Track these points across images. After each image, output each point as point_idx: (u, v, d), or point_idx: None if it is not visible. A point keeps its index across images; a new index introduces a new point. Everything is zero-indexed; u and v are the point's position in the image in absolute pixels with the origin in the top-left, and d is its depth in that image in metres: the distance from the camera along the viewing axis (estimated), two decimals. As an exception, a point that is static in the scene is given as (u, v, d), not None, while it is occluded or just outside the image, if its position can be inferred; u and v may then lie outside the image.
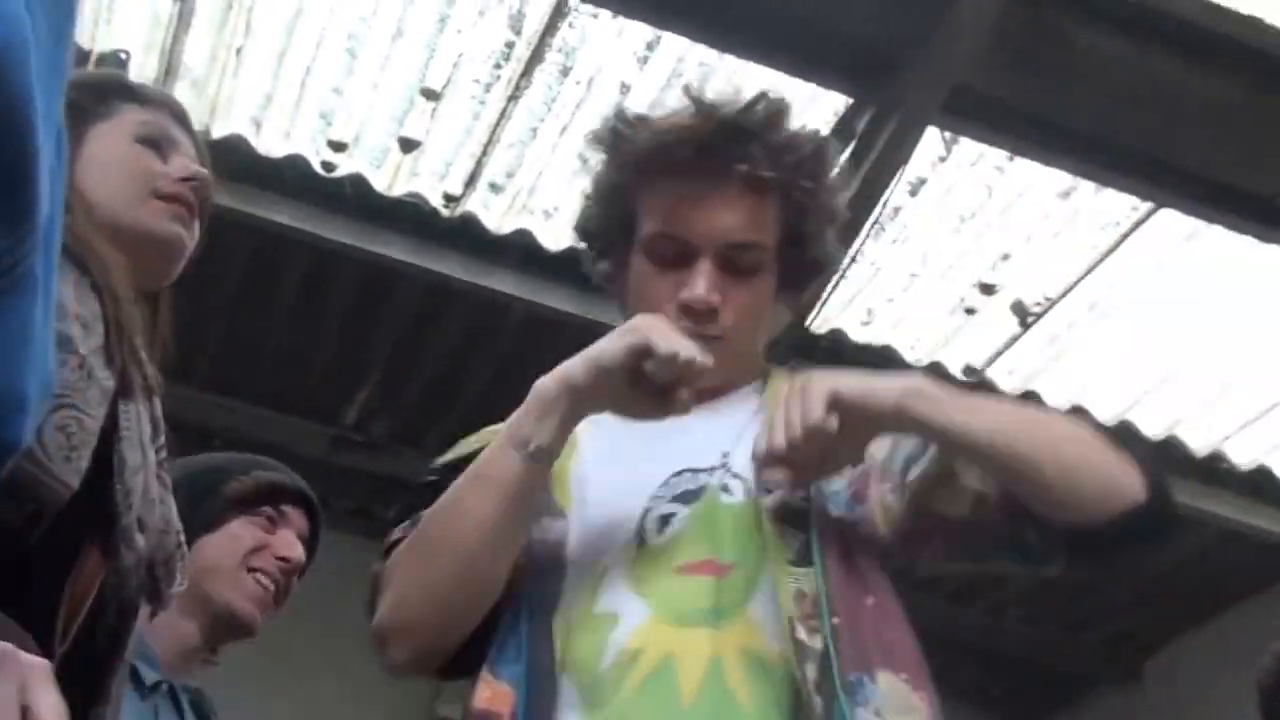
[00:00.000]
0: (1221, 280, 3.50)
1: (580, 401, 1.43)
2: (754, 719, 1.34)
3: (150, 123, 1.52)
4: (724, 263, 1.51)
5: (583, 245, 1.68)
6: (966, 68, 2.95)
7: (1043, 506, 1.43)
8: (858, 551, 1.45)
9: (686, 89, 1.56)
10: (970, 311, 3.66)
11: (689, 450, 1.50)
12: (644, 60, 3.21)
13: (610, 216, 1.59)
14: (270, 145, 3.40)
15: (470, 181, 3.48)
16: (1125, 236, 3.42)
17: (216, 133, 3.32)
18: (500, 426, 1.49)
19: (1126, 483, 1.44)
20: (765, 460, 1.42)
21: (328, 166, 3.46)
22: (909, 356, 3.75)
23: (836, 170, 1.61)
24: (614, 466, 1.50)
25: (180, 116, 1.58)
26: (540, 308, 3.57)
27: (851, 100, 3.15)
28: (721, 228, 1.51)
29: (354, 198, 3.46)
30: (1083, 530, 1.43)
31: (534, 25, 3.16)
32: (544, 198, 3.52)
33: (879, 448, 1.51)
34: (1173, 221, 3.37)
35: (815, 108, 3.21)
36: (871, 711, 1.33)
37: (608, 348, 1.42)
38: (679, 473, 1.48)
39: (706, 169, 1.51)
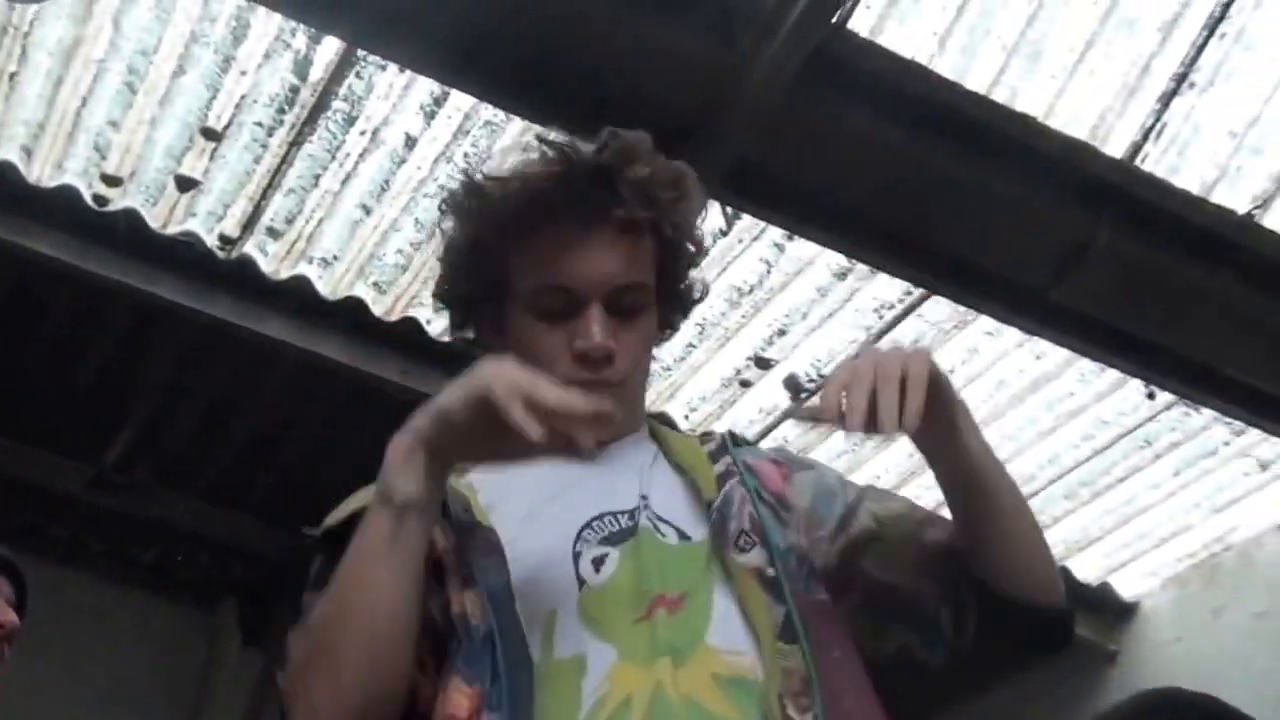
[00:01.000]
0: (987, 367, 3.62)
1: (435, 457, 1.36)
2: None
3: None
4: (612, 307, 1.50)
5: (444, 310, 1.63)
6: (748, 144, 2.99)
7: (996, 567, 1.44)
8: (828, 621, 1.45)
9: (539, 137, 1.55)
10: (745, 384, 3.70)
11: (599, 495, 1.47)
12: (431, 114, 3.19)
13: (478, 279, 1.55)
14: (41, 175, 3.29)
15: (248, 225, 3.40)
16: (898, 320, 3.50)
17: (-15, 159, 3.20)
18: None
19: (1056, 577, 1.49)
20: (837, 385, 1.34)
21: (100, 200, 3.35)
22: (683, 426, 3.77)
23: (700, 201, 1.61)
24: (529, 522, 1.45)
25: None
26: (313, 355, 3.50)
27: (636, 168, 3.16)
28: (606, 272, 1.49)
29: (126, 234, 3.36)
30: (1023, 607, 1.44)
31: (320, 72, 3.12)
32: (323, 245, 3.46)
33: (800, 495, 1.53)
34: (943, 308, 3.46)
35: (600, 174, 3.23)
36: None
37: (450, 400, 1.35)
38: (596, 517, 1.45)
39: (580, 215, 1.49)
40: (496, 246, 1.53)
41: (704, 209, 1.64)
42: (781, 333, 3.57)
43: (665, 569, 1.41)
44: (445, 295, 1.61)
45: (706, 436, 1.61)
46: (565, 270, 1.49)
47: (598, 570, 1.41)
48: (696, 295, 1.63)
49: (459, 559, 1.42)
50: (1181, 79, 3.11)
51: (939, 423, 1.39)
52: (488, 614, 1.37)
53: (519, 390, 1.30)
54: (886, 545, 1.51)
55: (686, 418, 3.79)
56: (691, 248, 1.59)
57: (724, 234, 3.34)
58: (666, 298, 1.57)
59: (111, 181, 3.34)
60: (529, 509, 1.46)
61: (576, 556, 1.42)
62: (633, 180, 1.50)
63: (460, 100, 3.13)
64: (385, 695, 1.35)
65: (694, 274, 1.61)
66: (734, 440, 1.60)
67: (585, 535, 1.43)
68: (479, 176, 1.56)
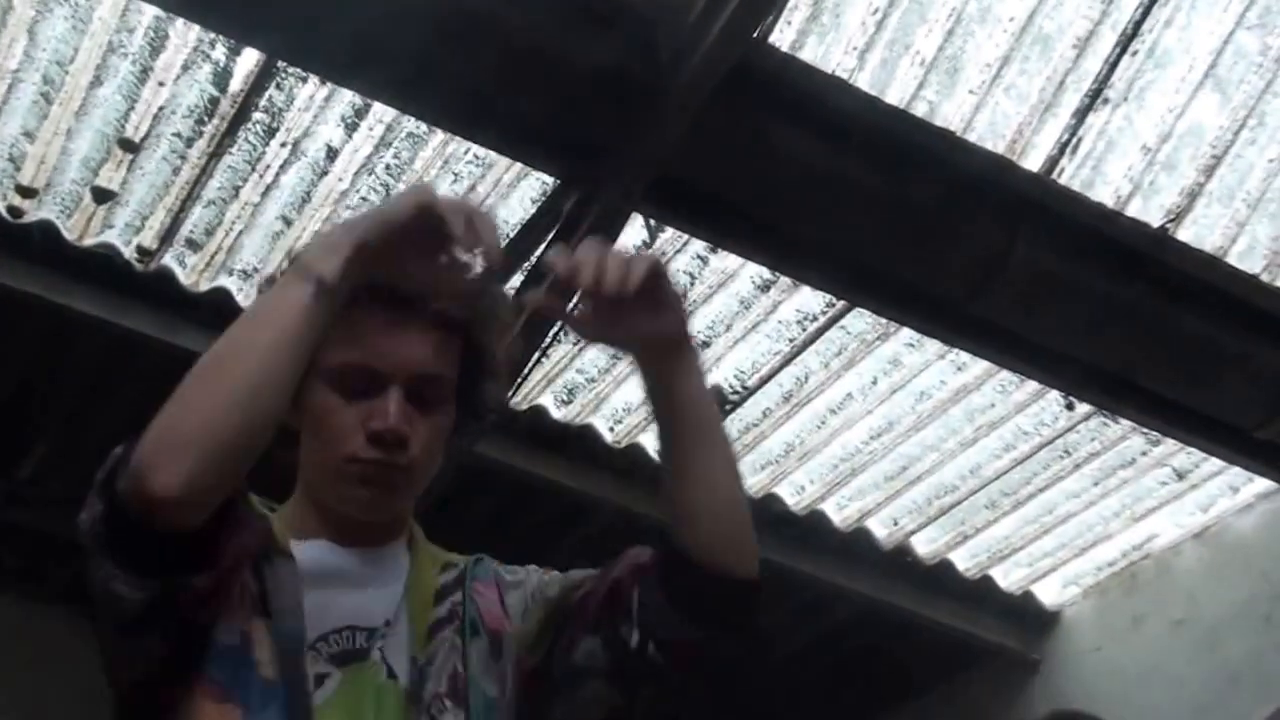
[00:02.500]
0: (909, 379, 3.65)
1: (362, 254, 1.41)
2: None
3: None
4: (411, 394, 1.51)
5: None
6: (671, 157, 2.99)
7: (697, 521, 1.47)
8: None
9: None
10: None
11: (354, 601, 1.50)
12: (352, 126, 3.16)
13: None
14: (-48, 187, 3.23)
15: (166, 237, 3.36)
16: (821, 331, 3.52)
17: (-108, 172, 3.14)
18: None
19: (754, 550, 1.51)
20: (560, 258, 1.41)
21: (14, 212, 3.30)
22: (608, 437, 3.77)
23: (507, 316, 1.64)
24: (285, 601, 1.47)
25: None
26: (234, 370, 3.46)
27: (558, 181, 3.16)
28: (413, 359, 1.51)
29: (41, 246, 3.31)
30: (726, 579, 1.46)
31: (239, 84, 3.08)
32: (243, 257, 3.43)
33: (511, 619, 1.56)
34: (864, 320, 3.49)
35: (523, 185, 3.23)
36: None
37: (393, 204, 1.44)
38: (335, 630, 1.47)
39: (396, 301, 1.50)
40: None
41: (512, 328, 1.69)
42: (705, 345, 3.57)
43: (379, 713, 1.44)
44: None
45: (449, 565, 1.60)
46: (374, 351, 1.50)
47: (316, 687, 1.44)
48: (489, 404, 1.65)
49: (258, 582, 1.46)
50: (1096, 95, 3.16)
51: (667, 324, 1.47)
52: (275, 660, 1.42)
53: (456, 202, 1.41)
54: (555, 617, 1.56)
55: (612, 429, 3.79)
56: (498, 359, 1.62)
57: (647, 246, 3.34)
58: (465, 400, 1.58)
59: (26, 193, 3.29)
60: (288, 592, 1.48)
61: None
62: (453, 282, 1.52)
63: (382, 112, 3.11)
64: (249, 437, 1.37)
65: (495, 385, 1.64)
66: (476, 566, 1.61)
67: (319, 645, 1.46)
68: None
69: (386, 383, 1.50)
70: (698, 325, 3.51)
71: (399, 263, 1.43)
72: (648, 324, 1.45)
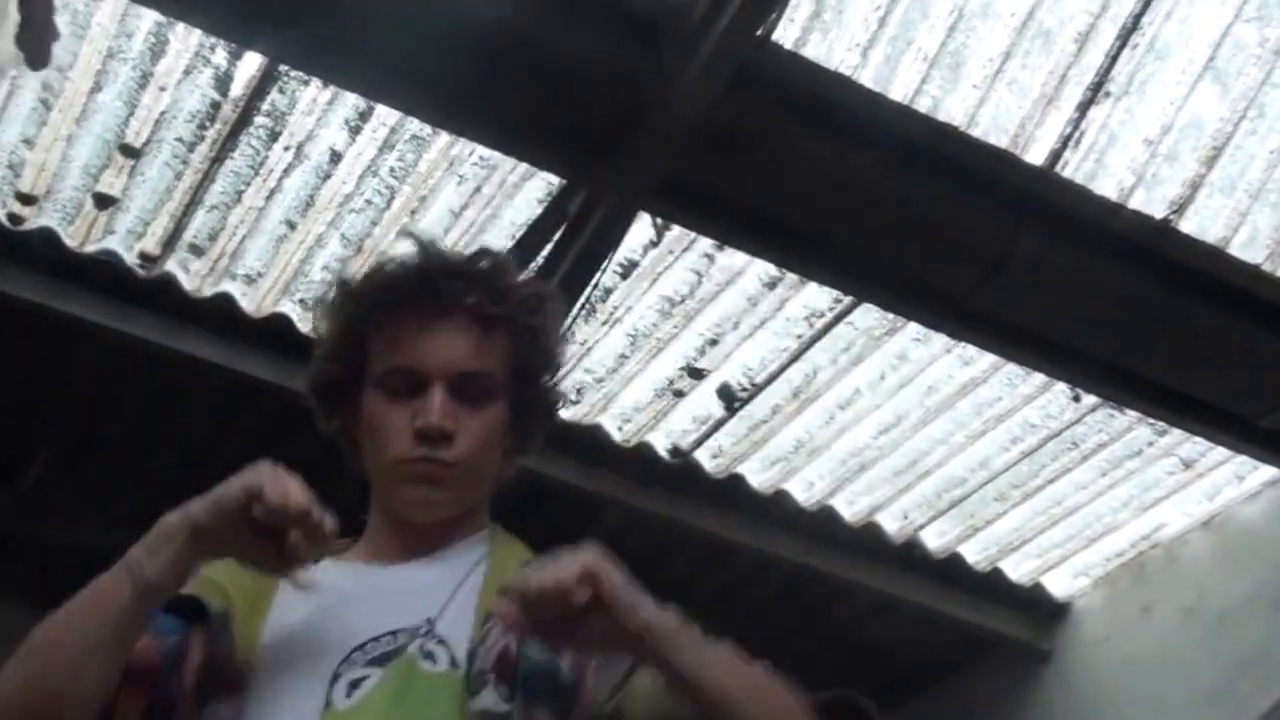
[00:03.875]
0: (917, 373, 3.64)
1: (199, 540, 1.42)
2: None
3: None
4: (456, 391, 1.55)
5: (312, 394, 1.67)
6: (677, 156, 2.99)
7: None
8: None
9: (412, 234, 1.65)
10: (678, 394, 3.70)
11: (395, 609, 1.50)
12: (355, 129, 3.16)
13: (342, 364, 1.62)
14: (-48, 195, 3.22)
15: (169, 242, 3.35)
16: (828, 327, 3.52)
17: (-108, 181, 3.13)
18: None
19: None
20: (501, 602, 1.38)
21: (15, 219, 3.29)
22: (616, 437, 3.77)
23: (559, 316, 1.69)
24: (311, 625, 1.49)
25: None
26: (238, 374, 3.46)
27: (564, 181, 3.15)
28: (451, 357, 1.56)
29: (43, 253, 3.30)
30: None
31: (241, 88, 3.07)
32: (247, 262, 3.42)
33: None
34: (871, 315, 3.49)
35: (529, 186, 3.22)
36: None
37: (226, 488, 1.42)
38: (379, 636, 1.48)
39: (434, 304, 1.57)
40: (359, 334, 1.61)
41: (561, 325, 1.74)
42: (713, 342, 3.57)
43: (415, 704, 1.44)
44: (315, 387, 1.67)
45: (534, 560, 1.58)
46: (412, 353, 1.56)
47: (350, 694, 1.45)
48: (554, 401, 1.69)
49: (197, 692, 1.47)
50: (1098, 88, 3.15)
51: (623, 619, 1.38)
52: None
53: (286, 493, 1.39)
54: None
55: (620, 429, 3.79)
56: (549, 355, 1.65)
57: (654, 245, 3.34)
58: (520, 398, 1.61)
59: (26, 200, 3.28)
60: (307, 617, 1.50)
61: (335, 678, 1.46)
62: (491, 285, 1.59)
63: (385, 115, 3.10)
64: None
65: (549, 380, 1.66)
66: None
67: (354, 656, 1.47)
68: (347, 278, 1.66)
69: (428, 383, 1.54)
70: (707, 323, 3.51)
71: (238, 544, 1.43)
72: (604, 625, 1.38)
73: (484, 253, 1.65)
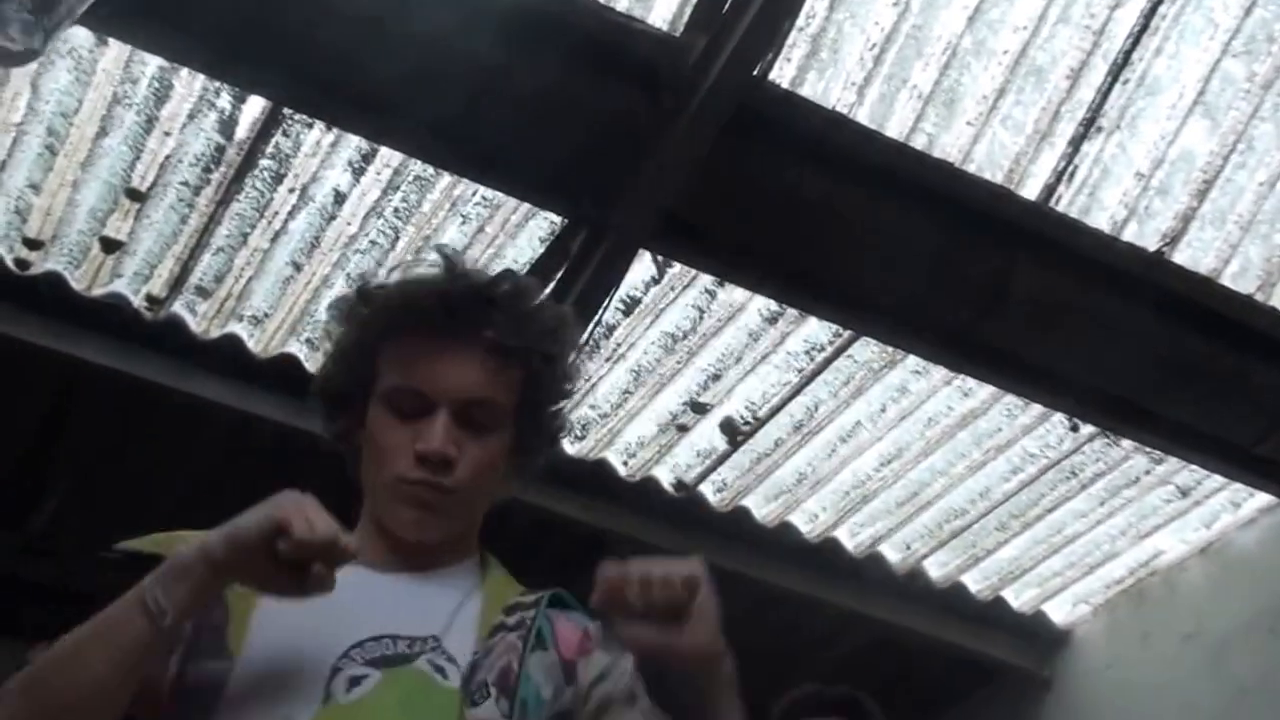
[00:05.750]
0: (916, 405, 3.68)
1: (217, 574, 1.42)
2: None
3: None
4: (462, 419, 1.55)
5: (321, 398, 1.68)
6: (677, 195, 3.03)
7: None
8: None
9: (440, 250, 1.64)
10: (682, 429, 3.73)
11: (394, 616, 1.50)
12: (359, 170, 3.19)
13: (352, 374, 1.62)
14: (-40, 242, 3.25)
15: (175, 285, 3.38)
16: (828, 361, 3.55)
17: (-101, 228, 3.16)
18: (194, 534, 1.46)
19: None
20: (608, 584, 1.35)
21: (22, 264, 3.32)
22: (621, 472, 3.79)
23: (575, 344, 1.70)
24: (305, 618, 1.47)
25: None
26: (246, 415, 3.49)
27: (566, 220, 3.19)
28: (462, 384, 1.56)
29: (50, 297, 3.32)
30: None
31: (245, 131, 3.11)
32: (253, 303, 3.45)
33: (587, 673, 1.52)
34: (871, 348, 3.52)
35: (531, 225, 3.26)
36: None
37: (245, 523, 1.41)
38: (379, 637, 1.48)
39: (451, 329, 1.56)
40: (372, 347, 1.61)
41: (577, 351, 1.74)
42: (716, 377, 3.61)
43: (415, 709, 1.44)
44: (322, 390, 1.67)
45: (528, 592, 1.61)
46: (422, 375, 1.56)
47: (350, 689, 1.45)
48: (559, 428, 1.69)
49: (182, 672, 1.48)
50: (1090, 123, 3.20)
51: (700, 636, 1.36)
52: None
53: (313, 526, 1.38)
54: None
55: (625, 463, 3.82)
56: (560, 384, 1.65)
57: (656, 282, 3.37)
58: (526, 424, 1.61)
59: (33, 245, 3.31)
60: (308, 610, 1.47)
61: (334, 671, 1.46)
62: (512, 312, 1.58)
63: (389, 156, 3.14)
64: None
65: (560, 414, 1.67)
66: (555, 601, 1.60)
67: (353, 653, 1.47)
68: (369, 285, 1.66)
69: (435, 407, 1.54)
70: (709, 358, 3.55)
71: (258, 577, 1.42)
72: (686, 637, 1.35)
73: (507, 275, 1.65)
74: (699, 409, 3.69)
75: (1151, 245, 3.33)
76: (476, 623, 1.53)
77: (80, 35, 2.93)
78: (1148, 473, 3.89)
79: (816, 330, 3.49)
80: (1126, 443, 3.76)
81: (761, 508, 3.94)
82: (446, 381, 1.55)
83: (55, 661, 1.43)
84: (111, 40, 2.93)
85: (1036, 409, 3.68)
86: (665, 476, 3.85)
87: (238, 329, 3.48)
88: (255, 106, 3.08)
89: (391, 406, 1.57)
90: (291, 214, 3.26)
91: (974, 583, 4.20)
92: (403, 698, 1.44)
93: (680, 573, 1.35)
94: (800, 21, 2.94)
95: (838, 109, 3.07)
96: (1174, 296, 3.31)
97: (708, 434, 3.76)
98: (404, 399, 1.56)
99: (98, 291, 3.37)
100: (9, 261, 3.30)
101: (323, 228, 3.30)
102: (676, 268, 3.33)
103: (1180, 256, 3.36)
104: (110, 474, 3.72)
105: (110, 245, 3.31)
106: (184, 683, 1.46)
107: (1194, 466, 3.78)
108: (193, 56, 2.91)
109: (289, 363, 3.49)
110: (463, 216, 3.25)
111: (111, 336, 3.40)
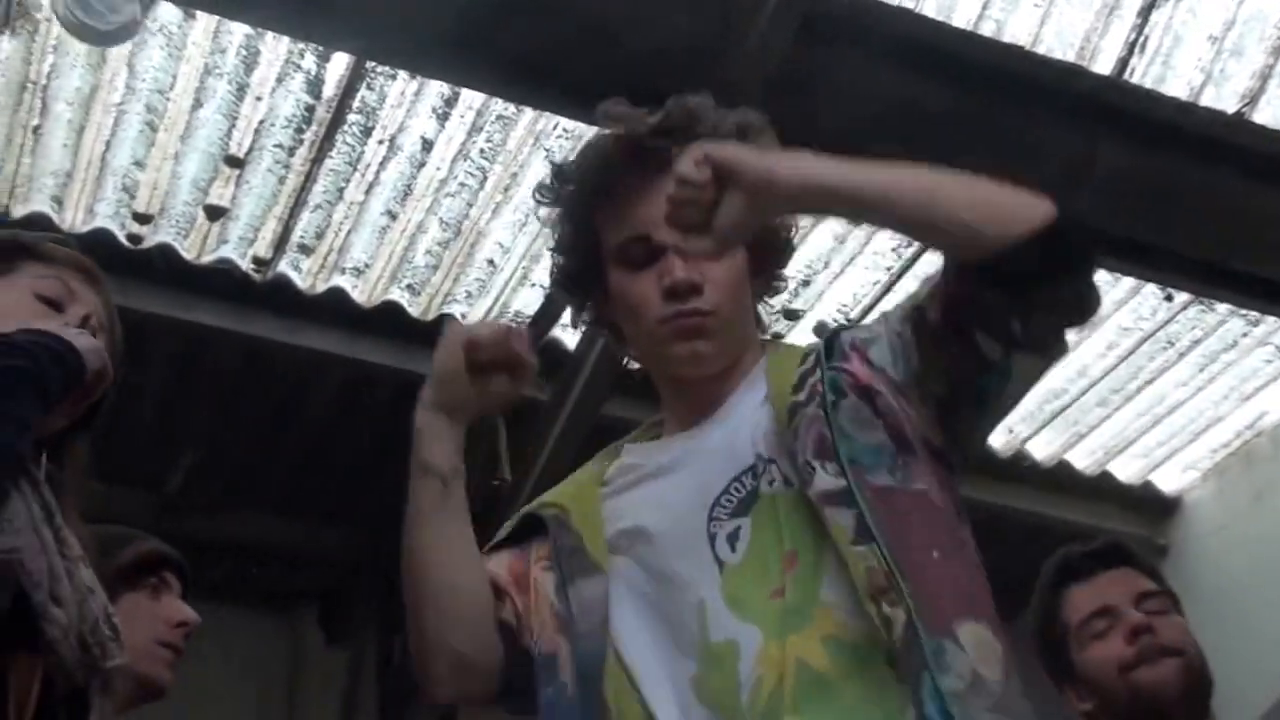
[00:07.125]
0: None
1: (449, 411, 1.55)
2: (852, 705, 1.39)
3: (50, 279, 1.64)
4: None
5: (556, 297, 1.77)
6: (750, 105, 3.06)
7: (951, 245, 1.47)
8: (912, 508, 1.47)
9: (605, 111, 1.63)
10: (776, 337, 3.79)
11: (724, 462, 1.54)
12: (443, 116, 3.28)
13: (580, 250, 1.66)
14: (73, 221, 3.38)
15: (279, 245, 3.51)
16: (915, 257, 3.59)
17: (17, 212, 3.30)
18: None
19: (1032, 203, 1.50)
20: (667, 220, 1.44)
21: (134, 239, 3.45)
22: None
23: (774, 142, 1.65)
24: (652, 511, 1.56)
25: (85, 270, 1.69)
26: (356, 363, 3.62)
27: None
28: None
29: (163, 268, 3.46)
30: (1002, 255, 1.43)
31: (332, 89, 3.21)
32: (354, 255, 3.57)
33: (880, 373, 1.52)
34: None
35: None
36: (955, 676, 1.36)
37: (437, 359, 1.55)
38: (724, 491, 1.53)
39: (644, 168, 1.57)
40: (585, 217, 1.64)
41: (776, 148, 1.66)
42: (806, 283, 3.67)
43: (782, 529, 1.48)
44: (560, 279, 1.72)
45: (806, 356, 1.59)
46: (641, 219, 1.57)
47: (733, 548, 1.50)
48: (785, 236, 1.69)
49: (562, 594, 1.57)
50: (1157, -10, 3.19)
51: (751, 187, 1.41)
52: (575, 681, 1.52)
53: (480, 329, 1.55)
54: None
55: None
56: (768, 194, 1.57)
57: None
58: (755, 241, 1.59)
59: (143, 219, 3.43)
60: (645, 498, 1.57)
61: (712, 538, 1.51)
62: (690, 131, 1.57)
63: (471, 98, 3.22)
64: (470, 640, 1.55)
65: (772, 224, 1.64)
66: (829, 349, 1.57)
67: (716, 514, 1.52)
68: (562, 165, 1.69)
69: (664, 246, 1.56)
70: (798, 264, 3.60)
71: (476, 394, 1.53)
72: (743, 194, 1.41)
73: (677, 100, 1.62)
74: (792, 316, 3.75)
75: (1230, 107, 3.32)
76: (775, 419, 1.53)
77: (169, 11, 3.04)
78: (1245, 335, 3.90)
79: (898, 226, 3.52)
80: (1222, 307, 3.77)
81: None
82: (660, 215, 1.51)
83: (405, 556, 1.56)
84: (198, 13, 3.03)
85: (1128, 282, 3.70)
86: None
87: (341, 281, 3.60)
88: (339, 64, 3.17)
89: (625, 262, 1.59)
90: (382, 165, 3.36)
91: (1080, 460, 4.24)
92: (774, 529, 1.48)
93: (682, 164, 1.41)
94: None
95: (904, 4, 3.10)
96: (1257, 155, 3.30)
97: (803, 340, 3.81)
98: (633, 250, 1.58)
99: (207, 258, 3.51)
100: (121, 237, 3.43)
101: (413, 175, 3.39)
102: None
103: (1261, 115, 3.35)
104: (236, 430, 3.87)
105: (214, 212, 3.44)
106: (568, 606, 1.55)
107: (1292, 325, 3.79)
108: (272, 19, 2.99)
109: (393, 309, 3.61)
110: (547, 150, 3.32)
111: (225, 299, 3.53)
